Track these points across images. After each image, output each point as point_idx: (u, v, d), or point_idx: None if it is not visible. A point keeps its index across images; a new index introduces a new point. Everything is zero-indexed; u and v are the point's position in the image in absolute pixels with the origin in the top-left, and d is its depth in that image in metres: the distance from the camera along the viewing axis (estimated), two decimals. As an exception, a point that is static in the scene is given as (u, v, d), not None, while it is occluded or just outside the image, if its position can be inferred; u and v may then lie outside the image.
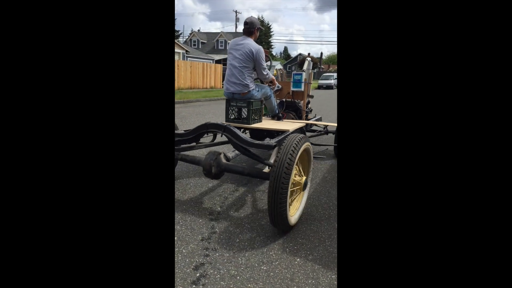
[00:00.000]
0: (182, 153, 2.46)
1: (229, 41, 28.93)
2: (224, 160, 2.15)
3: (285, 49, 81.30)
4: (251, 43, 2.61)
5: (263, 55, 2.64)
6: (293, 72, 3.63)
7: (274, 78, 2.96)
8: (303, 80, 3.53)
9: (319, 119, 3.89)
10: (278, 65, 42.26)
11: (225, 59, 30.21)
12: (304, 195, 2.18)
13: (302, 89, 3.56)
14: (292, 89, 3.59)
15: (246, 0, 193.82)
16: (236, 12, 37.83)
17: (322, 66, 51.00)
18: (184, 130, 2.40)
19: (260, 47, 2.62)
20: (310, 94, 3.72)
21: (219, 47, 32.92)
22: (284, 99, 3.63)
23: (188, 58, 22.23)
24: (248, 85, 2.60)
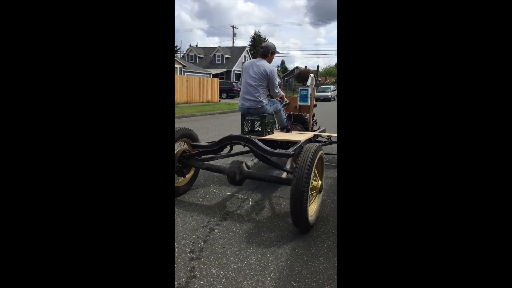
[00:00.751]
0: (205, 163, 2.66)
1: (226, 56, 29.55)
2: (246, 169, 2.38)
3: (282, 62, 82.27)
4: (265, 65, 2.98)
5: (276, 75, 3.03)
6: (299, 88, 4.00)
7: (283, 94, 3.37)
8: (309, 95, 3.90)
9: (323, 131, 4.16)
10: (275, 78, 42.85)
11: (222, 73, 30.46)
12: (320, 198, 2.36)
13: (309, 103, 3.92)
14: (299, 103, 3.95)
15: (243, 15, 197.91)
16: (233, 27, 38.36)
17: (319, 79, 51.64)
18: (208, 142, 2.69)
19: (274, 68, 3.01)
20: (314, 103, 4.09)
21: (216, 61, 33.16)
22: (291, 113, 3.98)
23: (185, 73, 22.26)
24: (262, 101, 2.97)
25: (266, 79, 2.98)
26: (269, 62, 3.06)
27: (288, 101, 3.74)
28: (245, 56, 32.96)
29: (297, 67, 50.54)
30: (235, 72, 31.65)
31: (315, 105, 4.08)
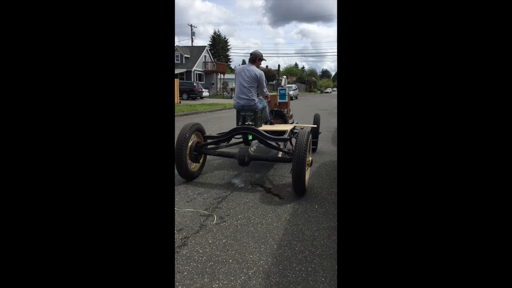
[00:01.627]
0: (217, 150, 3.34)
1: (185, 55, 28.67)
2: (252, 153, 3.08)
3: (243, 62, 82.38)
4: (255, 69, 3.61)
5: (264, 77, 3.65)
6: (279, 88, 4.85)
7: (268, 94, 4.05)
8: (287, 94, 4.79)
9: (297, 123, 4.93)
10: (237, 78, 42.47)
11: (182, 73, 29.45)
12: (309, 170, 3.19)
13: (286, 100, 4.82)
14: (278, 101, 4.78)
15: (201, 15, 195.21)
16: (191, 26, 37.27)
17: (280, 78, 52.15)
18: (218, 134, 3.44)
19: (262, 72, 3.59)
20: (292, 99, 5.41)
21: (176, 61, 32.05)
22: (273, 109, 4.74)
23: (142, 73, 20.95)
24: (254, 99, 3.61)
25: (256, 81, 3.59)
26: (257, 67, 3.70)
27: (269, 99, 4.34)
28: (205, 56, 32.22)
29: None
30: (196, 72, 30.78)
31: (291, 99, 5.39)
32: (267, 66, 49.83)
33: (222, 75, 32.71)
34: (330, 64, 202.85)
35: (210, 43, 59.33)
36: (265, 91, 3.83)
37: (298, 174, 2.63)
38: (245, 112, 3.66)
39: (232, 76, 43.78)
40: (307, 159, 2.83)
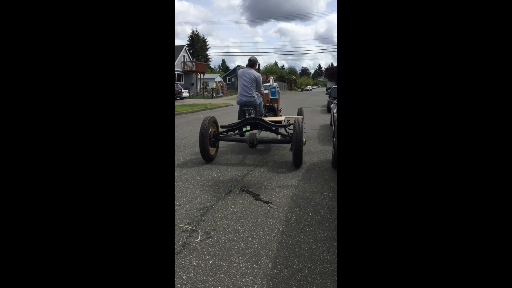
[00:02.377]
0: (231, 137, 4.20)
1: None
2: (258, 137, 4.01)
3: (223, 61, 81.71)
4: (254, 72, 4.47)
5: (261, 79, 4.56)
6: (270, 87, 5.75)
7: (264, 92, 5.22)
8: (277, 92, 5.86)
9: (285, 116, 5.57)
10: (217, 78, 41.96)
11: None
12: (304, 147, 4.35)
13: (277, 97, 5.91)
14: (270, 97, 5.77)
15: (178, 14, 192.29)
16: (168, 25, 36.28)
17: (269, 78, 52.20)
18: (230, 124, 4.23)
19: (260, 74, 4.50)
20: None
21: (153, 62, 31.05)
22: (265, 104, 5.60)
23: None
24: (254, 96, 4.48)
25: (255, 82, 4.48)
26: (255, 70, 4.57)
27: (263, 96, 5.26)
28: (184, 56, 31.50)
29: (238, 66, 50.22)
30: (175, 72, 30.10)
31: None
32: (247, 65, 49.49)
33: (202, 75, 32.14)
34: (309, 62, 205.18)
35: (189, 42, 58.37)
36: (262, 89, 4.75)
37: (298, 149, 3.65)
38: (247, 107, 4.65)
39: (212, 75, 43.23)
40: (301, 135, 3.68)
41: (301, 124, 3.70)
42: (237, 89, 33.27)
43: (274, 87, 5.85)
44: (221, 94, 28.86)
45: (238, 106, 4.97)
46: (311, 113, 12.39)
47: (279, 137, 4.30)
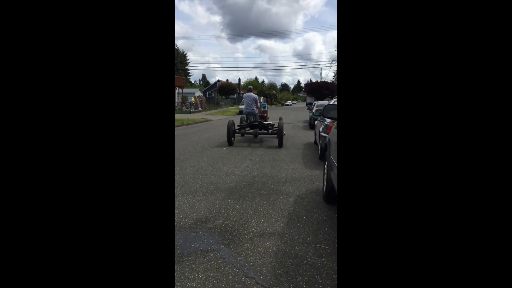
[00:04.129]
0: (243, 131, 7.60)
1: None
2: (258, 132, 7.52)
3: (204, 76, 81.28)
4: (253, 95, 7.93)
5: (257, 99, 8.18)
6: (262, 103, 9.03)
7: (260, 107, 8.79)
8: (266, 107, 9.52)
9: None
10: (197, 92, 41.23)
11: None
12: (284, 136, 7.42)
13: (266, 109, 9.37)
14: (262, 109, 8.95)
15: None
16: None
17: (242, 91, 52.08)
18: (240, 125, 7.89)
19: (257, 96, 8.06)
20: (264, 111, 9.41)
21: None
22: (259, 114, 8.41)
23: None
24: (254, 109, 7.82)
25: (254, 100, 7.78)
26: (253, 93, 7.98)
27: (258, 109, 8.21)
28: (161, 70, 30.59)
29: (218, 81, 49.74)
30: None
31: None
32: (227, 80, 49.27)
33: (180, 89, 31.28)
34: (288, 78, 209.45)
35: (168, 57, 57.46)
36: (259, 105, 8.20)
37: (280, 138, 6.90)
38: (249, 115, 7.84)
39: (191, 90, 42.55)
40: (282, 132, 7.09)
41: (282, 124, 7.27)
42: (217, 104, 32.05)
43: (264, 104, 9.72)
44: (200, 108, 28.04)
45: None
46: (292, 129, 11.79)
47: (269, 131, 7.56)
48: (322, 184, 3.71)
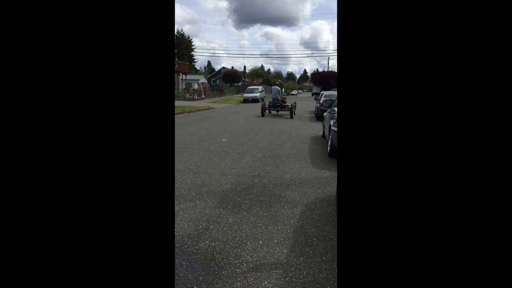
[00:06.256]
0: (271, 110, 13.14)
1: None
2: (279, 109, 12.99)
3: (209, 63, 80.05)
4: (277, 87, 13.72)
5: (280, 90, 13.84)
6: (282, 91, 14.69)
7: (282, 95, 13.92)
8: (285, 94, 16.65)
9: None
10: (201, 79, 40.39)
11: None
12: (294, 111, 12.88)
13: (286, 96, 15.32)
14: (282, 97, 13.86)
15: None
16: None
17: (247, 80, 51.07)
18: (268, 105, 12.98)
19: (279, 88, 13.84)
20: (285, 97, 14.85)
21: (132, 60, 29.15)
22: (281, 99, 13.50)
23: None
24: (278, 97, 13.14)
25: (278, 92, 13.35)
26: (278, 86, 14.08)
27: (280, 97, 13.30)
28: (165, 55, 29.76)
29: (223, 68, 48.72)
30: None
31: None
32: (232, 67, 48.23)
33: (184, 75, 30.51)
34: (294, 67, 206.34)
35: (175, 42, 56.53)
36: (282, 95, 13.55)
37: (291, 112, 12.02)
38: (275, 100, 12.78)
39: (196, 76, 41.81)
40: (294, 110, 12.66)
41: (292, 105, 12.47)
42: (221, 91, 31.91)
43: (284, 93, 14.81)
44: (203, 96, 27.26)
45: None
46: (298, 120, 11.12)
47: (286, 109, 12.44)
48: (334, 190, 3.09)
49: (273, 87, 13.75)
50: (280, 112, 13.54)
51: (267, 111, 13.16)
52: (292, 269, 1.79)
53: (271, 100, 13.22)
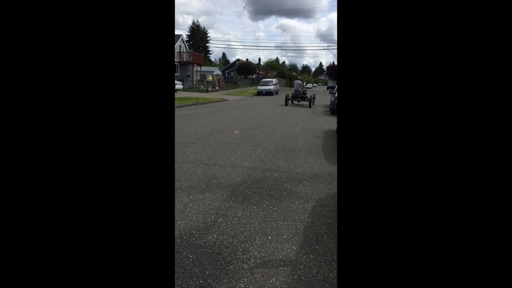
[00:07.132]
0: (293, 100, 15.13)
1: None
2: (300, 99, 15.08)
3: (224, 55, 79.86)
4: (299, 82, 15.89)
5: (301, 84, 15.71)
6: (304, 85, 15.80)
7: (303, 88, 15.63)
8: (306, 87, 16.29)
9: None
10: (216, 71, 40.37)
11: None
12: (313, 102, 15.04)
13: (306, 90, 16.12)
14: (303, 89, 15.60)
15: (180, 5, 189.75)
16: (166, 13, 34.52)
17: (261, 72, 50.73)
18: (291, 96, 15.05)
19: (301, 82, 15.96)
20: (306, 90, 15.91)
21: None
22: (302, 91, 15.60)
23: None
24: (299, 90, 15.32)
25: (300, 85, 15.48)
26: (299, 81, 15.92)
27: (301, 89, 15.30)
28: (180, 46, 29.80)
29: (238, 60, 48.49)
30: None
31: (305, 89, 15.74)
32: (247, 59, 47.94)
33: (199, 67, 30.55)
34: (310, 60, 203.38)
35: (189, 33, 56.65)
36: (303, 88, 15.29)
37: (310, 102, 14.38)
38: (296, 92, 14.95)
39: (211, 68, 41.74)
40: (313, 100, 14.82)
41: (311, 96, 14.67)
42: (235, 83, 32.50)
43: (305, 86, 15.49)
44: (217, 88, 27.22)
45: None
46: (312, 114, 10.95)
47: (306, 99, 14.48)
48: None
49: (295, 81, 16.22)
50: (301, 102, 15.83)
51: (289, 101, 15.27)
52: (301, 266, 1.74)
53: (294, 92, 15.42)
